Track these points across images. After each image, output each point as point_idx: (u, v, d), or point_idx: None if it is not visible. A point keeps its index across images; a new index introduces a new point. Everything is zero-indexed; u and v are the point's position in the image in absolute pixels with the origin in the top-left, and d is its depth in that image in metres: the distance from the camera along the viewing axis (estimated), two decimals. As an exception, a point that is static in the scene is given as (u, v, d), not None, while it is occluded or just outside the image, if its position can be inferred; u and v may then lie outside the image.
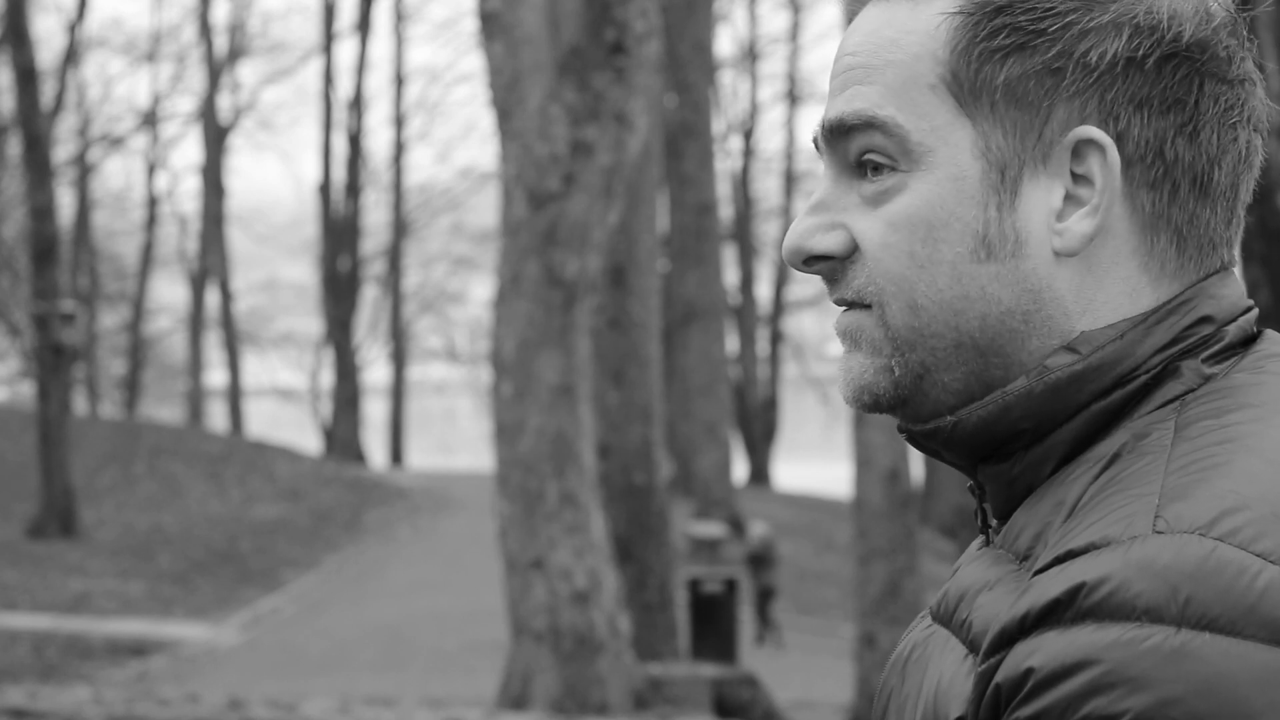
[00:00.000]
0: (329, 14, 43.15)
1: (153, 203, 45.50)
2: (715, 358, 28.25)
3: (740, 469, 36.19)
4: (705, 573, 17.68)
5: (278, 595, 23.40)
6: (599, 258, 12.20)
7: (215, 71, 43.72)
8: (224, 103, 44.83)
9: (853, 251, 1.22)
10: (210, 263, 43.55)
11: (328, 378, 44.53)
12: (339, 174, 43.12)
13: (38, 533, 25.43)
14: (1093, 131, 1.17)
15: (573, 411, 11.93)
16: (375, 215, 46.39)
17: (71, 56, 39.80)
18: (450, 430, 57.65)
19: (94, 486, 29.89)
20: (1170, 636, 1.01)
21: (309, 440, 44.05)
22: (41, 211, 25.47)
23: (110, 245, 46.36)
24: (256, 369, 48.36)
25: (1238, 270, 1.25)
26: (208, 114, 43.37)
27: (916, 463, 23.04)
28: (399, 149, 44.31)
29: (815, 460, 47.53)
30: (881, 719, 1.25)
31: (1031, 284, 1.18)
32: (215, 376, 48.76)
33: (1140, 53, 1.18)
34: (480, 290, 47.62)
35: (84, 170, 43.07)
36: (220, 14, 74.62)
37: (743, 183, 41.09)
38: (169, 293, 48.97)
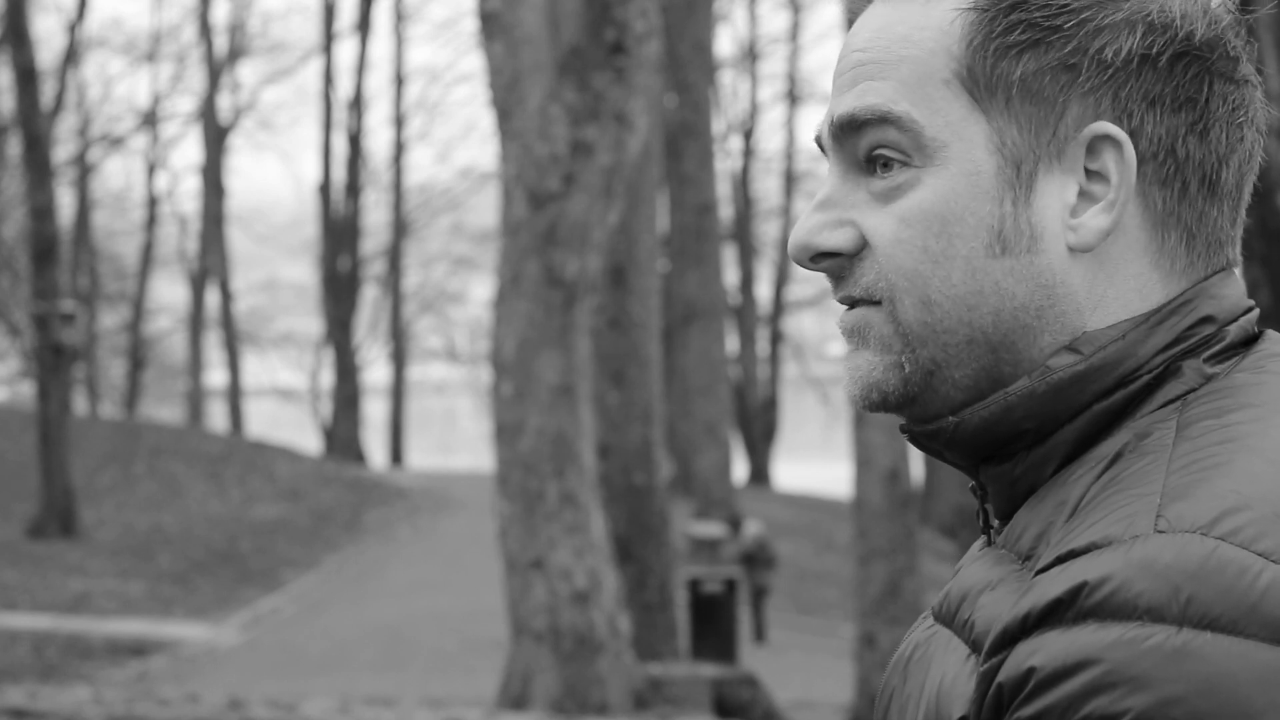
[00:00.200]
0: (329, 14, 43.16)
1: (153, 203, 45.51)
2: (715, 358, 28.24)
3: (740, 469, 36.19)
4: (705, 573, 17.68)
5: (278, 595, 23.40)
6: (599, 258, 12.20)
7: (215, 71, 43.73)
8: (224, 103, 44.87)
9: (861, 248, 1.22)
10: (210, 263, 43.55)
11: (328, 378, 44.57)
12: (339, 174, 43.15)
13: (38, 533, 25.43)
14: (1109, 128, 1.18)
15: (573, 411, 11.93)
16: (375, 215, 46.44)
17: (71, 56, 39.81)
18: (450, 430, 57.67)
19: (94, 486, 29.89)
20: (1172, 636, 1.01)
21: (309, 440, 44.05)
22: (41, 211, 25.47)
23: (110, 245, 46.36)
24: (256, 369, 48.40)
25: (1238, 270, 1.25)
26: (208, 114, 43.37)
27: (916, 463, 23.04)
28: (399, 149, 44.32)
29: (815, 460, 47.53)
30: (883, 719, 1.26)
31: (1046, 279, 1.18)
32: (215, 376, 48.78)
33: (1154, 50, 1.18)
34: (480, 290, 47.62)
35: (84, 170, 43.08)
36: (220, 14, 74.71)
37: (743, 183, 41.09)
38: (169, 293, 49.00)
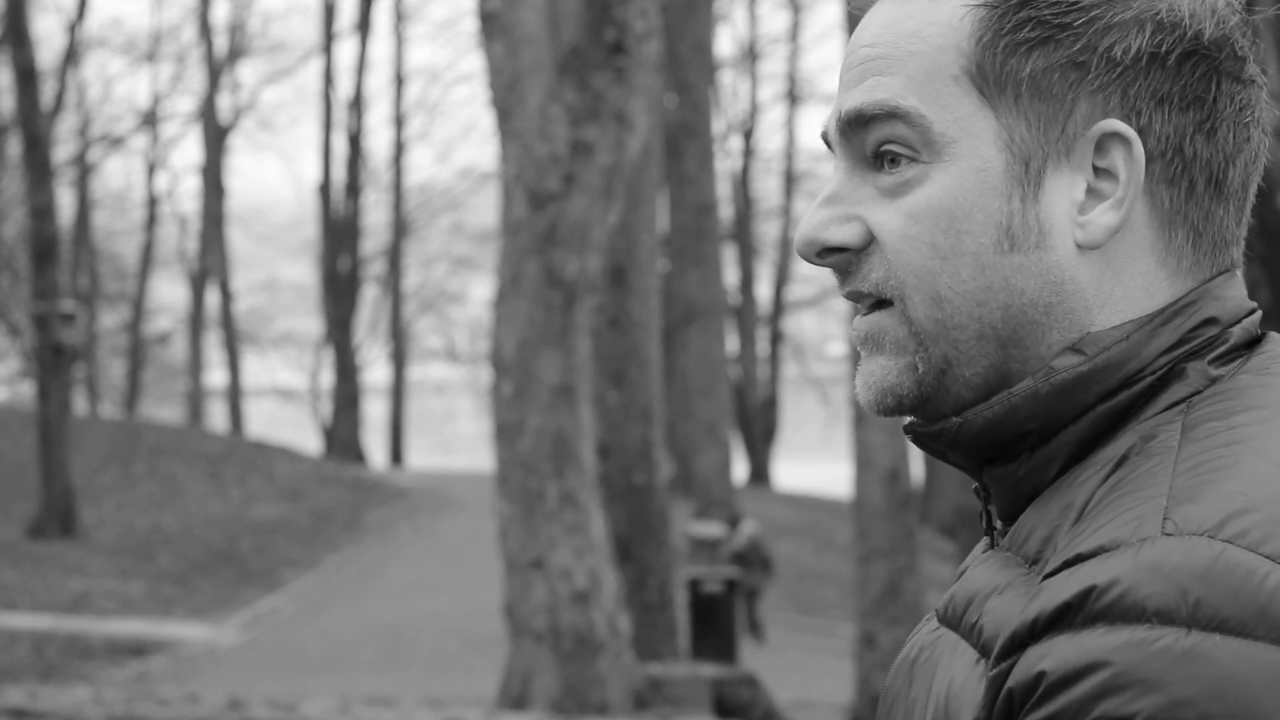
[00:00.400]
0: (329, 14, 43.16)
1: (153, 203, 45.51)
2: (715, 358, 28.24)
3: (740, 469, 36.19)
4: (705, 573, 17.67)
5: (278, 595, 23.40)
6: (599, 258, 12.20)
7: (215, 71, 43.73)
8: (224, 103, 44.86)
9: (868, 244, 1.22)
10: (210, 263, 43.55)
11: (328, 378, 44.56)
12: (339, 174, 43.15)
13: (38, 533, 25.43)
14: (1119, 125, 1.18)
15: (573, 411, 11.93)
16: (375, 215, 46.42)
17: (71, 56, 39.80)
18: (450, 430, 57.66)
19: (94, 486, 29.89)
20: (1181, 638, 1.01)
21: (309, 440, 44.05)
22: (41, 211, 25.47)
23: (110, 245, 46.36)
24: (256, 369, 48.38)
25: (1240, 271, 1.25)
26: (208, 114, 43.37)
27: (916, 463, 23.05)
28: (399, 149, 44.32)
29: (815, 460, 47.54)
30: (887, 720, 1.25)
31: (1054, 276, 1.19)
32: (215, 376, 48.78)
33: (1163, 49, 1.18)
34: (480, 290, 47.60)
35: (84, 170, 43.08)
36: (220, 14, 74.70)
37: (743, 183, 41.09)
38: (169, 293, 49.00)
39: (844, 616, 23.07)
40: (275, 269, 50.16)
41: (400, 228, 44.57)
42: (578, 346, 11.98)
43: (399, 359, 45.29)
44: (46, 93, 34.62)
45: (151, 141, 45.98)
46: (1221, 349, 1.18)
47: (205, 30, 43.64)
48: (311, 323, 47.08)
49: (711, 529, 19.98)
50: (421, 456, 49.78)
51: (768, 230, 42.70)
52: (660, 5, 13.20)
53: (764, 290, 41.66)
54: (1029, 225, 1.18)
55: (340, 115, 43.26)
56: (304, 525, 28.78)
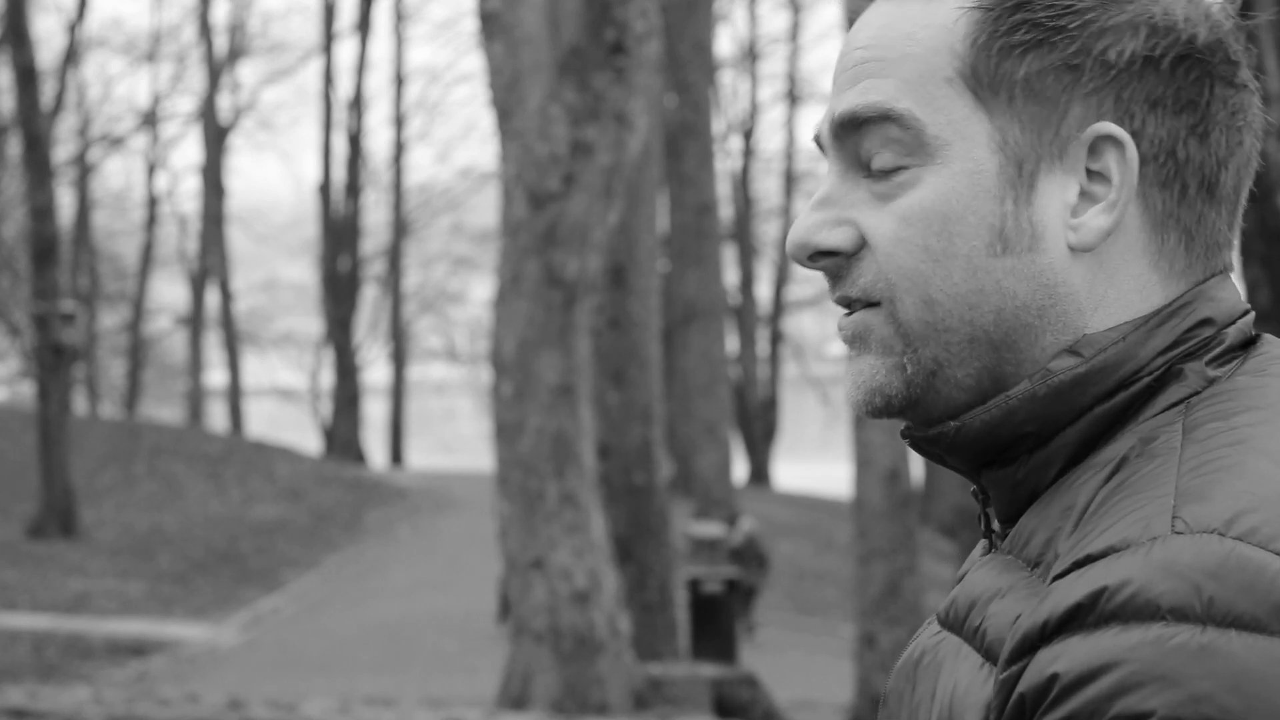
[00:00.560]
0: (329, 14, 43.16)
1: (153, 203, 45.51)
2: (715, 358, 28.23)
3: (740, 469, 36.18)
4: (705, 573, 17.67)
5: (278, 595, 23.41)
6: (599, 258, 12.20)
7: (215, 71, 43.72)
8: (224, 103, 44.86)
9: (860, 248, 1.22)
10: (210, 263, 43.55)
11: (328, 378, 44.57)
12: (339, 174, 43.15)
13: (38, 533, 25.44)
14: (1112, 128, 1.18)
15: (573, 411, 11.93)
16: (375, 215, 46.42)
17: (71, 56, 39.80)
18: (450, 430, 57.63)
19: (94, 486, 29.90)
20: (1196, 634, 1.01)
21: (309, 440, 44.05)
22: (41, 211, 25.48)
23: (110, 245, 46.36)
24: (256, 369, 48.38)
25: (1235, 272, 1.26)
26: (208, 114, 43.37)
27: (916, 463, 23.03)
28: (399, 149, 44.32)
29: (815, 460, 47.53)
30: (888, 723, 1.26)
31: (1047, 279, 1.19)
32: (215, 376, 48.77)
33: (1157, 53, 1.18)
34: (480, 290, 47.60)
35: (84, 170, 43.08)
36: (220, 14, 74.71)
37: (743, 183, 41.09)
38: (169, 293, 49.00)
39: (844, 616, 23.07)
40: (275, 269, 50.19)
41: (400, 228, 44.57)
42: (578, 346, 11.99)
43: (399, 359, 45.28)
44: (46, 93, 34.62)
45: (151, 141, 46.00)
46: (1217, 350, 1.19)
47: (205, 30, 43.65)
48: (311, 323, 47.10)
49: (711, 529, 19.97)
50: (421, 456, 49.76)
51: (768, 230, 42.70)
52: (660, 5, 13.20)
53: (764, 290, 41.69)
54: (1022, 228, 1.18)
55: (340, 115, 43.28)
56: (304, 525, 28.78)
